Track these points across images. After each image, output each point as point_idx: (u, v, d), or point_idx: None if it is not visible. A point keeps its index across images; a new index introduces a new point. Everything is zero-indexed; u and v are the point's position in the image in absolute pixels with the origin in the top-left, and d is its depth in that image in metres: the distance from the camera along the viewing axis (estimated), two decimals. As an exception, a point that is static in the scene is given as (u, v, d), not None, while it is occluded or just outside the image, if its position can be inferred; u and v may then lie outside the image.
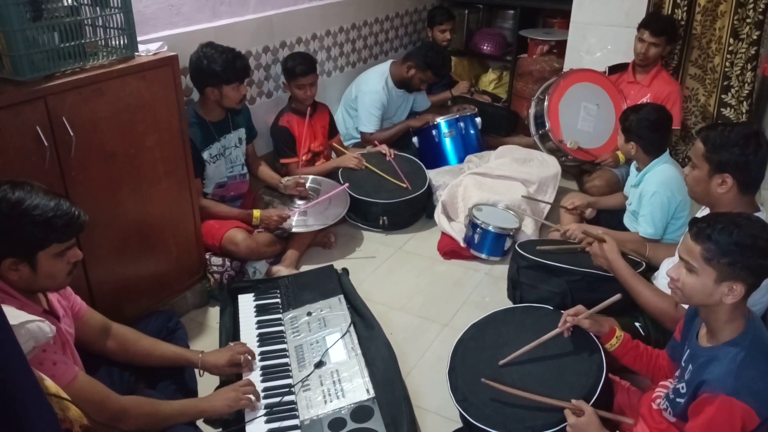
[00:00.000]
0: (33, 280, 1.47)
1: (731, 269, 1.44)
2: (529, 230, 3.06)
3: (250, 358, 2.04)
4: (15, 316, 1.32)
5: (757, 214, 1.83)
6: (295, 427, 1.85)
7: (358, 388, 1.97)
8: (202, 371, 1.93)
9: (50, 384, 1.31)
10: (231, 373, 2.02)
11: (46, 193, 1.46)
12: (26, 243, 1.43)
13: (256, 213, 2.84)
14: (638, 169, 2.61)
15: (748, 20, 3.35)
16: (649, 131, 2.49)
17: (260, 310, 2.38)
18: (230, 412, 1.80)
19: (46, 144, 1.83)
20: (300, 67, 3.15)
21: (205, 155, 2.70)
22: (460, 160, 3.68)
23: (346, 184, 3.13)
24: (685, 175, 2.05)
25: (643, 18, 3.36)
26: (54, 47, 1.85)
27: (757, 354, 1.44)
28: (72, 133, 1.89)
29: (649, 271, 2.27)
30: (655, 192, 2.44)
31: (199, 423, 1.89)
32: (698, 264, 1.48)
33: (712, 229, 1.47)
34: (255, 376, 2.02)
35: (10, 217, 1.40)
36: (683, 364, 1.59)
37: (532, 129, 3.51)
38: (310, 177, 3.19)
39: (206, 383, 2.03)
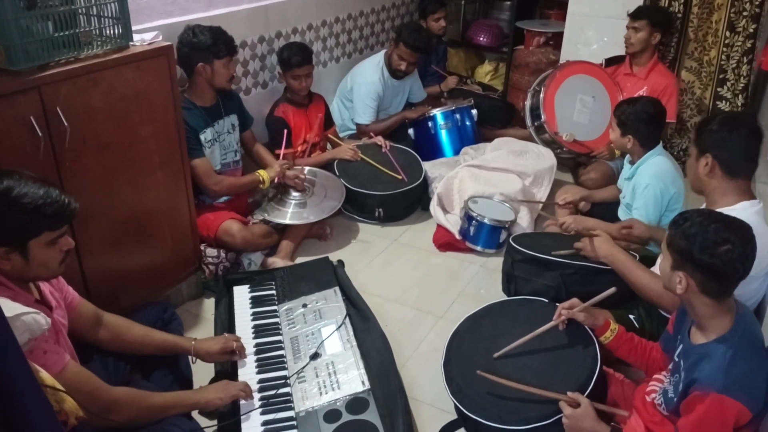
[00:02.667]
0: (26, 269, 1.46)
1: (680, 258, 1.50)
2: (524, 223, 3.06)
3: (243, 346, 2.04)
4: (10, 308, 1.31)
5: (748, 201, 1.84)
6: (291, 418, 1.85)
7: (354, 379, 1.98)
8: (194, 358, 1.93)
9: (46, 376, 1.31)
10: (225, 361, 2.02)
11: (35, 182, 1.45)
12: (17, 231, 1.42)
13: (263, 174, 2.85)
14: (631, 162, 2.61)
15: (745, 13, 3.35)
16: (646, 124, 2.49)
17: (255, 301, 2.38)
18: (221, 405, 1.80)
19: (40, 134, 1.81)
20: (296, 58, 3.14)
21: (202, 138, 2.69)
22: (456, 152, 3.67)
23: (342, 187, 3.13)
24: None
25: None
26: (48, 37, 1.83)
27: (746, 349, 1.45)
28: (66, 123, 1.88)
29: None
30: (648, 184, 2.45)
31: (195, 414, 1.90)
32: (664, 247, 1.56)
33: (681, 217, 1.53)
34: (250, 368, 2.02)
35: None
36: (676, 359, 1.60)
37: (528, 121, 3.51)
38: (307, 168, 3.19)
39: (202, 374, 2.04)
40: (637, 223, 2.37)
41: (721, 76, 3.55)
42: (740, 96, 3.51)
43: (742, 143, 1.85)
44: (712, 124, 1.89)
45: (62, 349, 1.50)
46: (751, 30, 3.36)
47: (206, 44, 2.58)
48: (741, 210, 1.80)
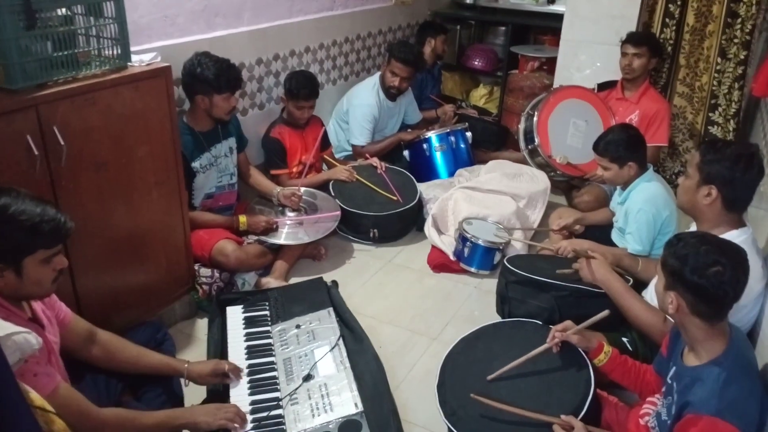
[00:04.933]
0: (19, 286, 1.46)
1: (672, 279, 1.51)
2: (518, 244, 3.07)
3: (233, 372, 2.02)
4: (1, 327, 1.30)
5: (738, 230, 1.85)
6: (283, 440, 1.83)
7: (347, 401, 1.97)
8: (187, 381, 1.91)
9: (35, 397, 1.30)
10: (217, 383, 2.01)
11: (32, 199, 1.46)
12: (12, 249, 1.42)
13: (242, 218, 2.83)
14: (623, 187, 2.63)
15: (736, 40, 3.41)
16: (636, 145, 2.52)
17: (249, 322, 2.37)
18: (208, 428, 1.77)
19: (36, 153, 1.82)
20: (303, 91, 3.18)
21: (195, 165, 2.70)
22: (451, 174, 3.69)
23: (338, 212, 3.12)
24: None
25: (625, 36, 3.42)
26: (47, 56, 1.85)
27: (739, 373, 1.45)
28: (63, 142, 1.88)
29: (638, 289, 2.28)
30: (641, 209, 2.46)
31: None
32: (658, 268, 1.58)
33: (676, 238, 1.55)
34: (242, 389, 2.00)
35: None
36: (669, 381, 1.60)
37: (522, 144, 3.53)
38: (303, 189, 3.19)
39: (195, 394, 2.02)
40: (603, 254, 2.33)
41: (712, 102, 3.59)
42: (732, 121, 3.56)
43: (751, 184, 1.87)
44: (723, 158, 1.85)
45: (53, 369, 1.49)
46: (742, 57, 3.42)
47: (207, 78, 2.58)
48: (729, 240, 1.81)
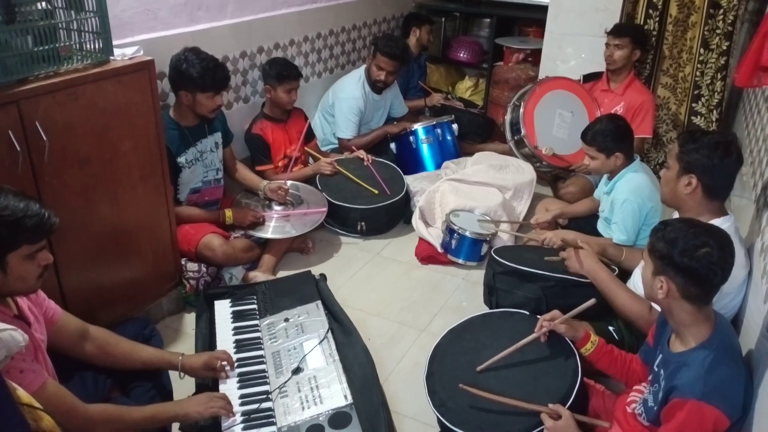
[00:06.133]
0: (3, 282, 1.45)
1: (661, 263, 1.52)
2: (505, 235, 3.09)
3: (226, 366, 2.02)
4: (-14, 324, 1.29)
5: (720, 218, 1.88)
6: (273, 434, 1.84)
7: (336, 394, 1.97)
8: (182, 373, 1.91)
9: (23, 394, 1.29)
10: (207, 378, 2.00)
11: (15, 195, 1.45)
12: None
13: (228, 213, 2.82)
14: (609, 177, 2.65)
15: (718, 31, 3.44)
16: (623, 135, 2.55)
17: (237, 316, 2.37)
18: (199, 419, 1.78)
19: (18, 149, 1.80)
20: (292, 71, 3.19)
21: (181, 160, 2.68)
22: (438, 166, 3.70)
23: (325, 209, 3.11)
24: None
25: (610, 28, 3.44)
26: (27, 51, 1.82)
27: (725, 357, 1.47)
28: (45, 138, 1.86)
29: (622, 278, 2.31)
30: (626, 200, 2.49)
31: (175, 431, 1.87)
32: (645, 255, 1.59)
33: (662, 224, 1.57)
34: (232, 383, 2.00)
35: None
36: (655, 369, 1.62)
37: (508, 135, 3.55)
38: (289, 182, 3.18)
39: (183, 388, 2.01)
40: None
41: (695, 92, 3.62)
42: (715, 111, 3.59)
43: (730, 171, 1.89)
44: (701, 147, 1.88)
45: (40, 366, 1.48)
46: (725, 47, 3.45)
47: (191, 76, 2.55)
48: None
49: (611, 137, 2.54)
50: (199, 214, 2.79)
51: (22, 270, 1.46)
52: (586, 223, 2.82)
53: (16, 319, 1.49)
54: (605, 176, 2.71)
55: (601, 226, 2.73)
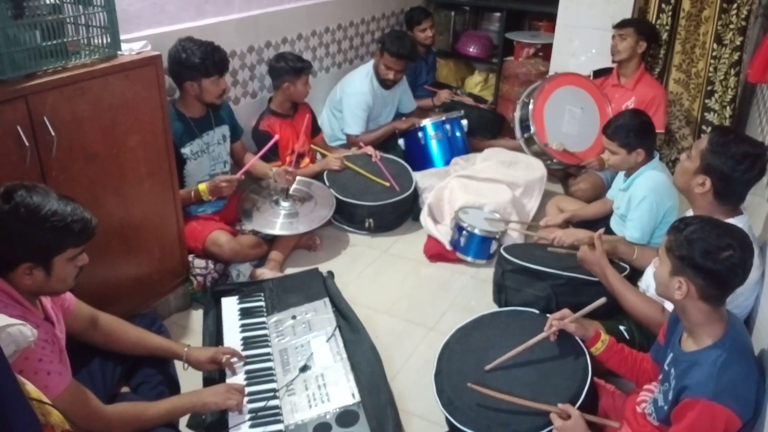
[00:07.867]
0: (45, 284, 1.48)
1: (680, 264, 1.48)
2: (515, 233, 3.06)
3: (234, 360, 2.02)
4: (-4, 319, 1.29)
5: (735, 218, 1.84)
6: (280, 432, 1.83)
7: (344, 392, 1.96)
8: (186, 365, 1.92)
9: (31, 389, 1.30)
10: (213, 371, 2.01)
11: (59, 198, 1.47)
12: (44, 248, 1.44)
13: (201, 186, 2.67)
14: (627, 174, 2.60)
15: (732, 26, 3.40)
16: (647, 131, 2.49)
17: (244, 313, 2.36)
18: (216, 409, 1.79)
19: (27, 144, 1.79)
20: (306, 62, 3.21)
21: (186, 151, 2.66)
22: (447, 163, 3.67)
23: (333, 202, 3.08)
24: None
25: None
26: (35, 46, 1.82)
27: (737, 357, 1.45)
28: (53, 133, 1.86)
29: (634, 275, 2.28)
30: (645, 197, 2.42)
31: (182, 427, 1.87)
32: (662, 253, 1.55)
33: (682, 222, 1.53)
34: (239, 380, 2.00)
35: (29, 222, 1.40)
36: (666, 368, 1.60)
37: (518, 132, 3.51)
38: (298, 178, 3.16)
39: (191, 382, 2.01)
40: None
41: (708, 88, 3.58)
42: (728, 107, 3.55)
43: (748, 183, 1.85)
44: (729, 156, 1.81)
45: (65, 368, 1.51)
46: (738, 43, 3.41)
47: (194, 63, 2.55)
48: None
49: (634, 133, 2.47)
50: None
51: (64, 272, 1.50)
52: (597, 223, 2.78)
53: (45, 322, 1.51)
54: (621, 173, 2.66)
55: (614, 223, 2.68)
